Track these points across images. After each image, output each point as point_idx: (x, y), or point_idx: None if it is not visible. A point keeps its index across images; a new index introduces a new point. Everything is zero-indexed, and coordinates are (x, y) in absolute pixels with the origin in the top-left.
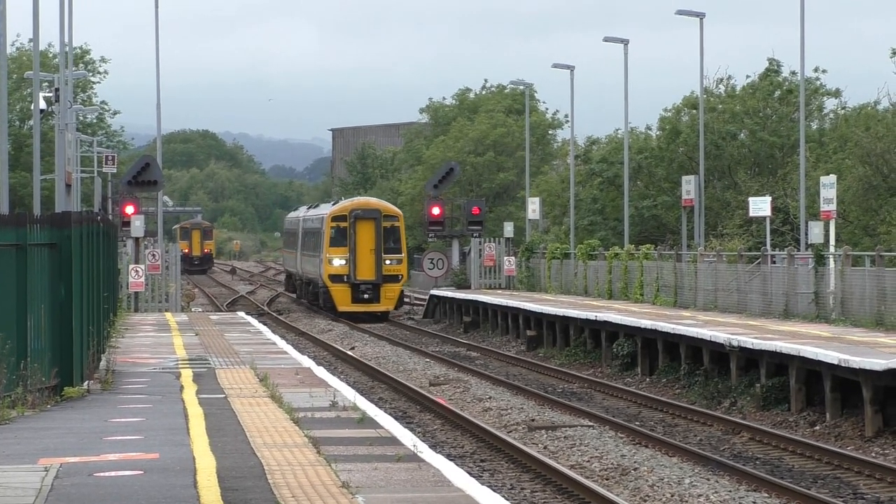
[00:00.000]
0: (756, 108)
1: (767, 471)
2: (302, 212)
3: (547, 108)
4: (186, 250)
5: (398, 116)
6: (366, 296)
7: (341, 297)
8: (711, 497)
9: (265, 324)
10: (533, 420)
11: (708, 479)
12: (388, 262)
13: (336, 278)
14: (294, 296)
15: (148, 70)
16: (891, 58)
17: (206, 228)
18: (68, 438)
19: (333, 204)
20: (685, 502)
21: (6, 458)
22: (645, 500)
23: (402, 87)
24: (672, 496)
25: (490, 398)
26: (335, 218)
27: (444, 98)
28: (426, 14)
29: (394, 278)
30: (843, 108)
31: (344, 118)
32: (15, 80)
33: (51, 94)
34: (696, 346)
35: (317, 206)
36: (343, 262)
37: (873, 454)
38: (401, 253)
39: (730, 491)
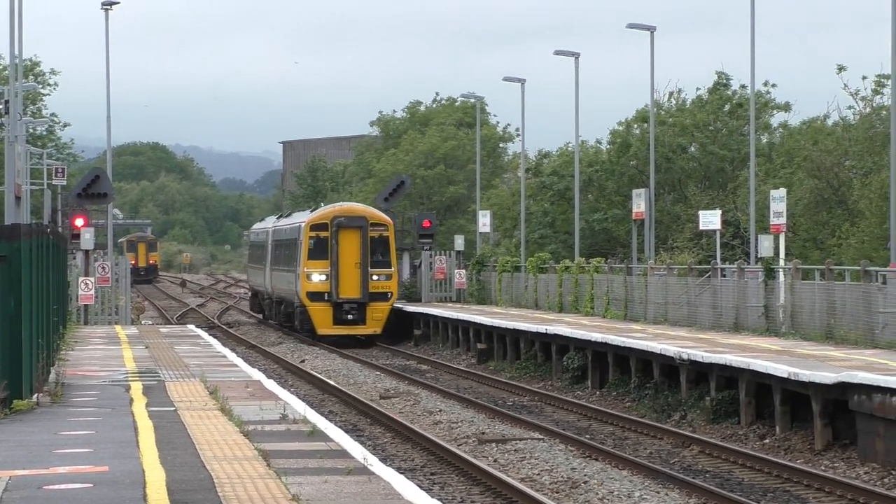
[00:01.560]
0: (706, 121)
1: (717, 484)
2: (271, 222)
3: (498, 122)
4: (133, 262)
5: (357, 130)
6: (350, 316)
7: (321, 319)
8: None
9: (215, 337)
10: (483, 433)
11: (658, 492)
12: (375, 277)
13: (315, 296)
14: (260, 317)
15: (100, 83)
16: (838, 73)
17: (150, 241)
18: (17, 451)
19: (312, 210)
20: None
21: None
22: None
23: (363, 101)
24: None
25: (440, 411)
26: (314, 226)
27: (394, 111)
28: (388, 31)
29: (382, 296)
30: (785, 125)
31: (300, 132)
32: None
33: (1, 106)
34: (647, 360)
35: (290, 214)
36: (324, 277)
37: (822, 467)
38: (390, 267)
39: None
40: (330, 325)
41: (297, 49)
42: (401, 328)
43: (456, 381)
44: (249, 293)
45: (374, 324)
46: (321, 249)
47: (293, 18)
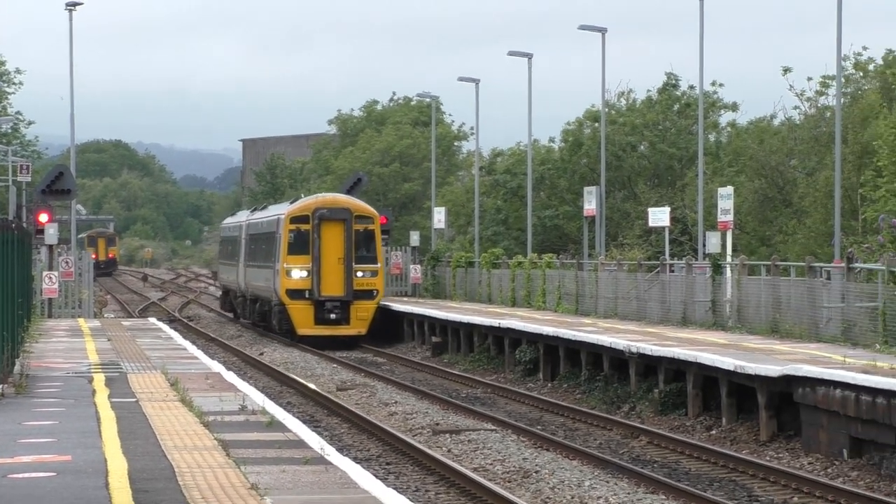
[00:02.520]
0: (655, 120)
1: (665, 474)
2: (244, 215)
3: (453, 121)
4: (94, 256)
5: (315, 129)
6: (332, 316)
7: (302, 318)
8: (610, 499)
9: (176, 330)
10: (437, 424)
11: (607, 482)
12: (360, 273)
13: (295, 294)
14: (231, 316)
15: (64, 82)
16: (784, 75)
17: (110, 237)
18: None
19: (292, 202)
20: (582, 502)
21: None
22: (546, 502)
23: (321, 102)
24: (572, 498)
25: (396, 403)
26: (295, 219)
27: (352, 110)
28: (348, 30)
29: (367, 294)
30: (733, 124)
31: (259, 130)
32: None
33: None
34: (597, 353)
35: (265, 206)
36: (304, 273)
37: (767, 458)
38: (376, 263)
39: (628, 493)
40: (311, 325)
41: (256, 51)
42: (387, 328)
43: (411, 374)
44: (220, 291)
45: (358, 324)
46: (302, 244)
47: (253, 21)
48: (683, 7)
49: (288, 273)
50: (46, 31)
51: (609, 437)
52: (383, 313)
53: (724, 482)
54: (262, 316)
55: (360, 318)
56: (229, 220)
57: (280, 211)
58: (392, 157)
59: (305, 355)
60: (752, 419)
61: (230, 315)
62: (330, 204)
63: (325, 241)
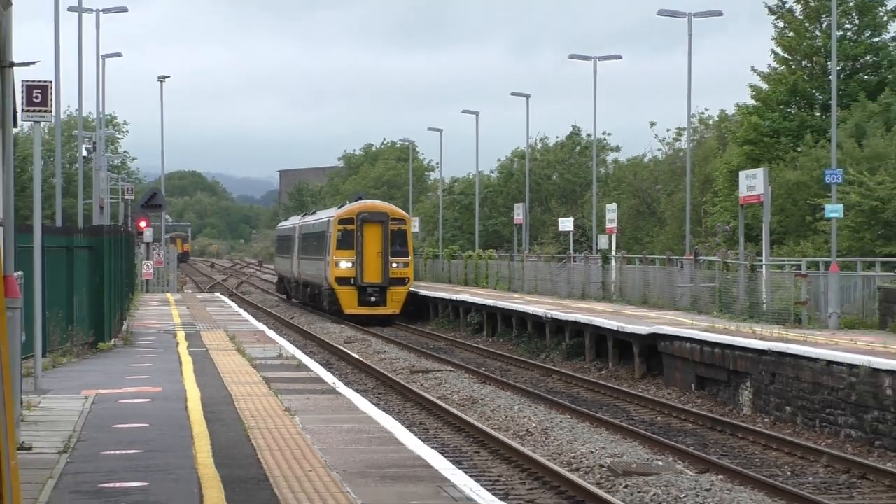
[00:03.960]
0: (563, 158)
1: (570, 401)
2: (296, 220)
3: (424, 158)
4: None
5: (329, 163)
6: (372, 299)
7: (348, 300)
8: (532, 417)
9: (234, 301)
10: (413, 367)
11: (530, 406)
12: (394, 265)
13: (343, 281)
14: (283, 297)
15: (157, 129)
16: (651, 126)
17: (184, 236)
18: (101, 377)
19: (339, 207)
20: (515, 420)
21: (60, 391)
22: (488, 419)
23: (334, 142)
24: (506, 417)
25: (385, 352)
26: (342, 221)
27: (354, 150)
28: (351, 91)
29: (400, 281)
30: (616, 161)
31: (292, 163)
32: (66, 136)
33: (90, 146)
34: (523, 317)
35: (314, 212)
36: (350, 264)
37: (640, 390)
38: (407, 256)
39: (545, 414)
40: (355, 306)
41: (289, 105)
42: (417, 309)
43: (395, 332)
44: (276, 278)
45: (393, 305)
46: (348, 240)
47: (286, 86)
48: (584, 79)
49: (337, 264)
50: (149, 94)
51: (531, 375)
52: (413, 297)
53: (611, 406)
54: (312, 298)
55: (395, 301)
56: (284, 224)
57: (330, 214)
58: (382, 183)
59: (324, 320)
60: (629, 364)
61: (283, 296)
62: (371, 209)
63: (366, 238)
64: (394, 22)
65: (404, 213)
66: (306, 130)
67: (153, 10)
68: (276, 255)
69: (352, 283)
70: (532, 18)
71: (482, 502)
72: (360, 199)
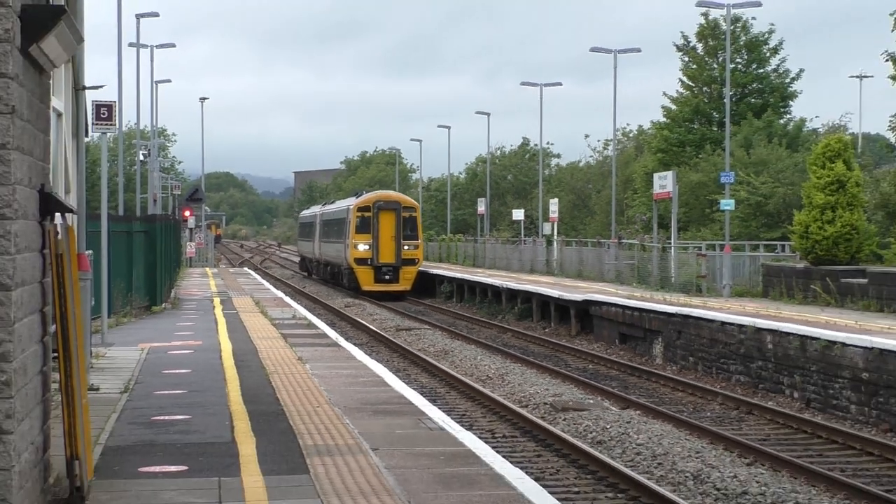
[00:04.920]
0: (516, 163)
1: (520, 352)
2: (317, 208)
3: (407, 162)
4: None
5: (334, 166)
6: (387, 276)
7: (365, 278)
8: (491, 365)
9: (258, 274)
10: (398, 326)
11: (489, 356)
12: (406, 247)
13: (361, 261)
14: (305, 274)
15: (199, 137)
16: (585, 138)
17: (217, 223)
18: (154, 333)
19: (357, 197)
20: (478, 368)
21: (122, 344)
22: (456, 367)
23: (337, 148)
24: (471, 365)
25: (376, 314)
26: (360, 209)
27: (353, 156)
28: (352, 108)
29: (411, 262)
30: (558, 165)
31: (304, 165)
32: (126, 144)
33: (146, 153)
34: (484, 287)
35: (333, 202)
36: (367, 247)
37: (575, 344)
38: (417, 239)
39: (501, 362)
40: (372, 283)
41: (303, 119)
42: (425, 286)
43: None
44: (299, 258)
45: (405, 282)
46: (365, 226)
47: (302, 104)
48: (534, 101)
49: (356, 246)
50: (193, 111)
51: (490, 332)
52: (422, 276)
53: (552, 357)
54: (332, 276)
55: (406, 279)
56: (306, 212)
57: (349, 203)
58: (374, 182)
59: (329, 289)
60: (567, 324)
61: (305, 273)
62: (385, 198)
63: (381, 224)
64: (388, 56)
65: (415, 202)
66: (316, 140)
67: (198, 46)
68: (298, 239)
69: (368, 263)
70: (495, 54)
71: (451, 431)
72: (356, 195)
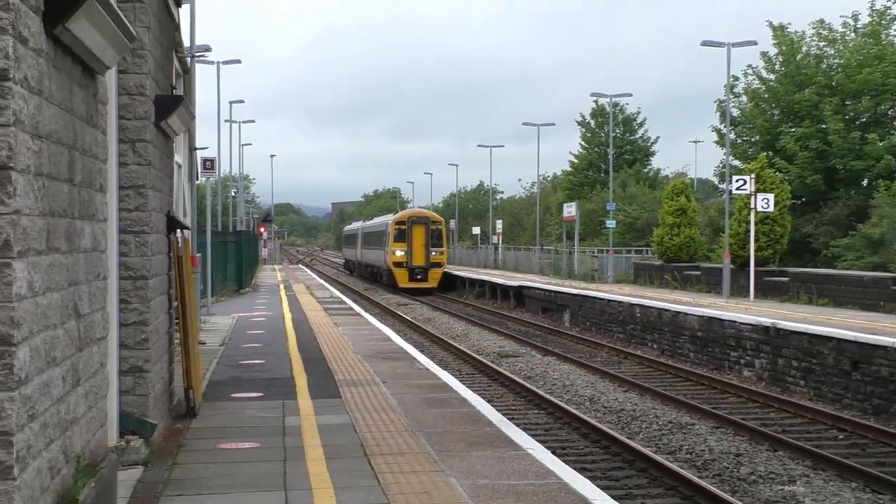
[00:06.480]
0: (475, 197)
1: (478, 319)
2: (358, 224)
3: (406, 196)
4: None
5: (357, 198)
6: (418, 276)
7: (401, 277)
8: (458, 328)
9: (308, 268)
10: (399, 303)
11: (457, 322)
12: (433, 253)
13: (398, 264)
14: (348, 272)
15: (269, 180)
16: (519, 181)
17: (280, 236)
18: (240, 307)
19: (394, 214)
20: (449, 329)
21: (220, 314)
22: (436, 328)
23: (361, 187)
24: (446, 328)
25: (386, 296)
26: (398, 223)
27: (370, 192)
28: (370, 161)
29: (437, 265)
30: (504, 199)
31: (338, 197)
32: (222, 185)
33: (235, 190)
34: (454, 278)
35: (372, 217)
36: (402, 253)
37: (513, 314)
38: (442, 247)
39: (465, 326)
40: (406, 281)
41: (339, 168)
42: (449, 284)
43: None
44: (343, 260)
45: (433, 281)
46: (401, 236)
47: (343, 147)
48: (487, 156)
49: (394, 252)
50: (266, 162)
51: (458, 307)
52: (446, 276)
53: (498, 322)
54: (371, 275)
55: (434, 278)
56: (349, 227)
57: (388, 219)
58: (383, 209)
59: (353, 278)
60: (508, 301)
61: (348, 272)
62: (417, 214)
63: (414, 235)
64: (394, 127)
65: (440, 217)
66: (346, 181)
67: (271, 118)
68: (343, 246)
69: (404, 265)
70: (463, 126)
71: (433, 370)
72: (393, 213)
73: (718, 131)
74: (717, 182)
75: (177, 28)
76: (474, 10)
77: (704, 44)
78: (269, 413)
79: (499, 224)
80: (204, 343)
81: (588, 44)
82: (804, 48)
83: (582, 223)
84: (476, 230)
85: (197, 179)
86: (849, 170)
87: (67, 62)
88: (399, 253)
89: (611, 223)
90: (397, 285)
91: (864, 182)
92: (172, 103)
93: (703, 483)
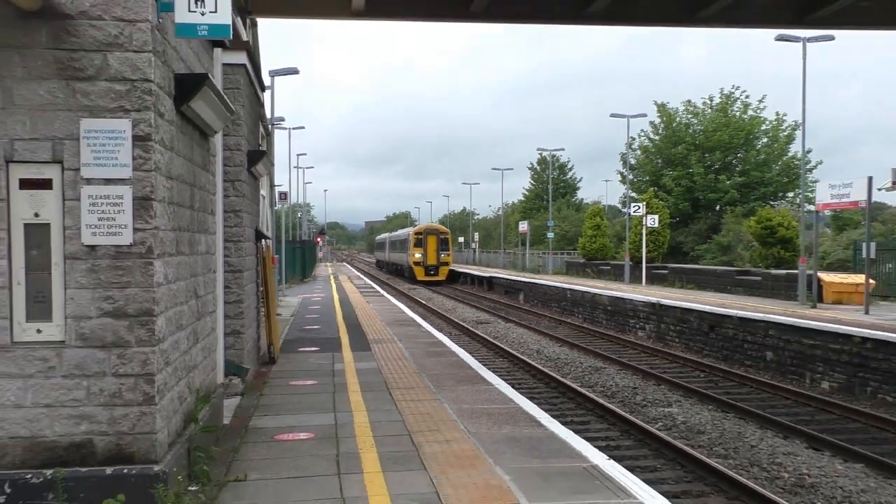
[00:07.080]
0: (461, 217)
1: (462, 299)
2: (386, 235)
3: (414, 216)
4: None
5: (381, 217)
6: (431, 272)
7: (419, 272)
8: (449, 304)
9: (349, 266)
10: (410, 288)
11: (449, 300)
12: (442, 255)
13: (416, 263)
14: (378, 269)
15: (323, 207)
16: (489, 207)
17: (331, 243)
18: (304, 290)
19: (414, 226)
20: (443, 304)
21: (291, 295)
22: (434, 304)
23: (385, 210)
24: (441, 304)
25: (401, 284)
26: (416, 233)
27: (390, 214)
28: (392, 194)
29: (445, 264)
30: (481, 219)
31: (371, 217)
32: (292, 210)
33: (301, 213)
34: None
35: (395, 230)
36: (420, 255)
37: (486, 295)
38: (449, 251)
39: (455, 303)
40: (423, 275)
41: (372, 198)
42: (454, 278)
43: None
44: (374, 260)
45: (442, 275)
46: (419, 243)
47: (370, 193)
48: (468, 192)
49: (413, 255)
50: (320, 194)
51: (449, 291)
52: (452, 272)
53: (475, 301)
54: (395, 271)
55: (443, 273)
56: (379, 237)
57: (408, 231)
58: (399, 226)
59: (380, 272)
60: (482, 286)
61: (378, 269)
62: (431, 228)
63: (428, 242)
64: (407, 170)
65: (447, 230)
66: (375, 206)
67: (326, 163)
68: (375, 251)
69: (421, 264)
70: (451, 169)
71: (432, 332)
72: (413, 226)
73: (622, 174)
74: (620, 207)
75: (262, 105)
76: (462, 87)
77: (612, 115)
78: (323, 361)
79: (476, 235)
80: (280, 314)
81: (536, 113)
82: (678, 119)
83: (531, 234)
84: (461, 239)
85: (275, 206)
86: (707, 199)
87: (189, 128)
88: (418, 255)
89: (550, 234)
90: (416, 278)
91: (717, 207)
92: (259, 155)
93: (611, 405)
